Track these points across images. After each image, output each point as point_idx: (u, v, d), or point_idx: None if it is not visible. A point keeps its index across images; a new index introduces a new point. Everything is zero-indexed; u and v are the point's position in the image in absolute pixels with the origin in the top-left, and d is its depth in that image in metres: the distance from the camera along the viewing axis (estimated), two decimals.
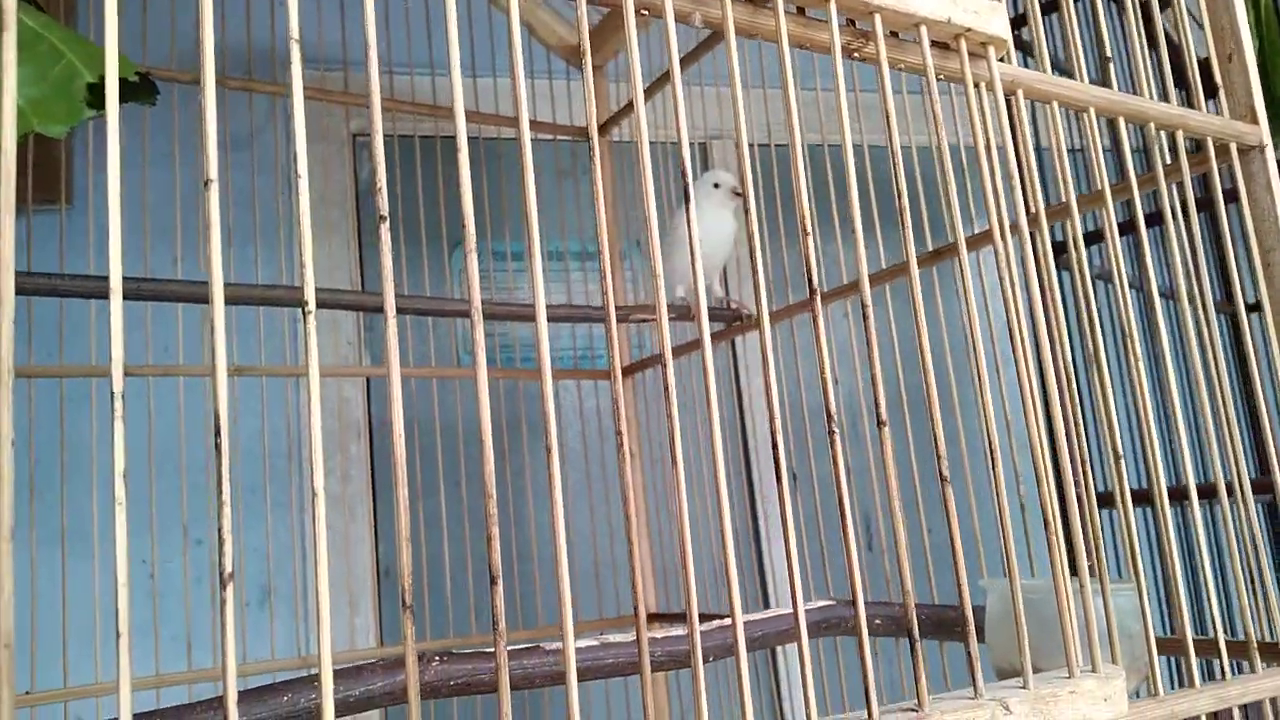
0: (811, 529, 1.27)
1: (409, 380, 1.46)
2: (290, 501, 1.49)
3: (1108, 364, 0.56)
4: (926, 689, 0.39)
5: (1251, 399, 0.62)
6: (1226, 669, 0.51)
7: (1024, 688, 0.41)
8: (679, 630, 0.72)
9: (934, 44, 0.50)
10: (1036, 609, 0.69)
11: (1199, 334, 0.61)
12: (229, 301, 0.95)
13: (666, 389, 0.36)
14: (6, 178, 0.30)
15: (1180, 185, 0.62)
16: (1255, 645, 0.54)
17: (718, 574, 1.36)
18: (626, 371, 1.48)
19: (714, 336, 1.32)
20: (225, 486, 0.31)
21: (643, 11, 0.41)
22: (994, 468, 0.43)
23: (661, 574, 1.40)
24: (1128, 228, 1.06)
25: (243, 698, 0.55)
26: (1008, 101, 0.53)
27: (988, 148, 0.49)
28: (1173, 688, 0.50)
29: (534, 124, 1.47)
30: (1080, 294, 0.56)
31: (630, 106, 1.47)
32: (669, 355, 0.37)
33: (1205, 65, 0.70)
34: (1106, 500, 1.10)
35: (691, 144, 1.59)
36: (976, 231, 0.96)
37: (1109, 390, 0.54)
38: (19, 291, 0.88)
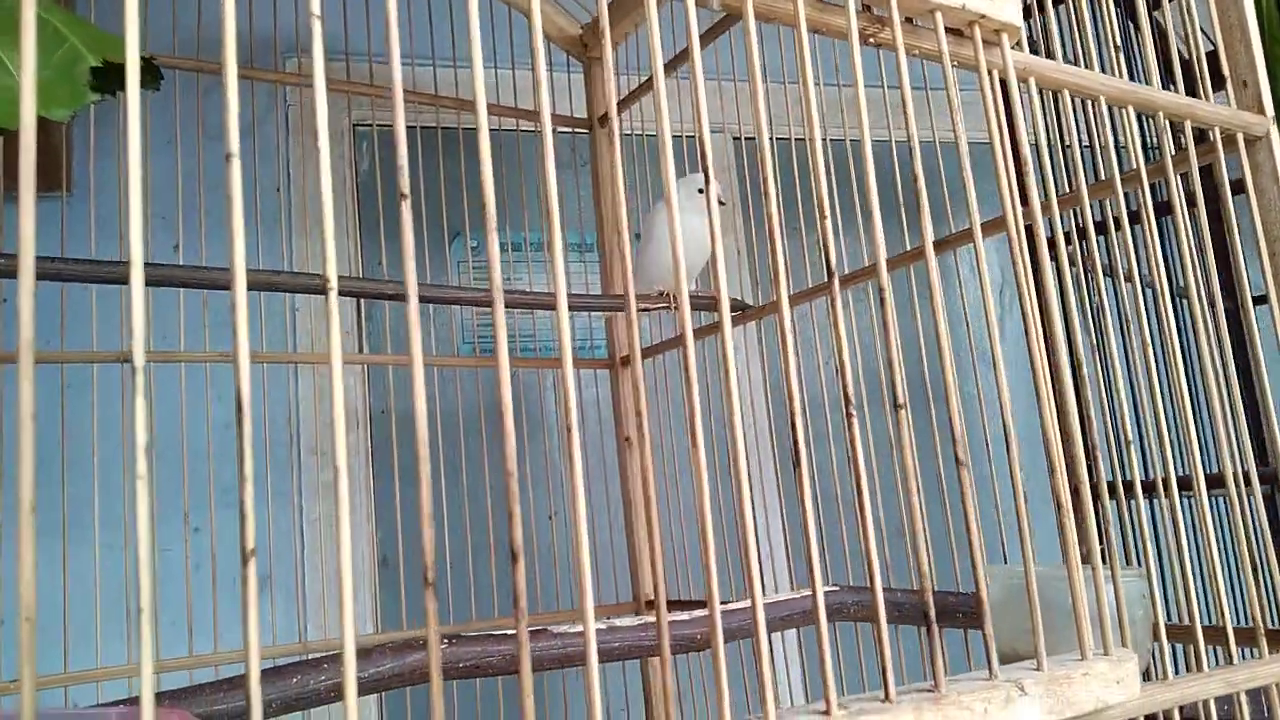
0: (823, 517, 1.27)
1: (408, 369, 1.46)
2: (291, 490, 1.49)
3: (1117, 355, 0.56)
4: (938, 672, 0.39)
5: (1258, 390, 0.62)
6: (1235, 654, 0.52)
7: (1038, 669, 0.42)
8: (682, 615, 0.72)
9: (948, 30, 0.50)
10: (1039, 594, 0.70)
11: (1205, 326, 0.61)
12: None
13: (687, 371, 0.36)
14: (26, 150, 0.30)
15: (1187, 176, 0.62)
16: (1263, 631, 0.54)
17: (715, 559, 1.36)
18: (626, 360, 1.48)
19: (708, 328, 1.32)
20: (248, 462, 0.31)
21: None
22: (1009, 451, 0.43)
23: (661, 562, 1.40)
24: (1133, 219, 1.06)
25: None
26: (1003, 89, 0.53)
27: (1003, 135, 0.49)
28: (1175, 673, 0.51)
29: (532, 114, 1.46)
30: (1079, 285, 0.56)
31: (632, 97, 1.46)
32: (690, 338, 0.37)
33: (1212, 58, 0.70)
34: (1109, 489, 1.10)
35: (690, 137, 1.59)
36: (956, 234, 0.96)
37: (1118, 379, 0.54)
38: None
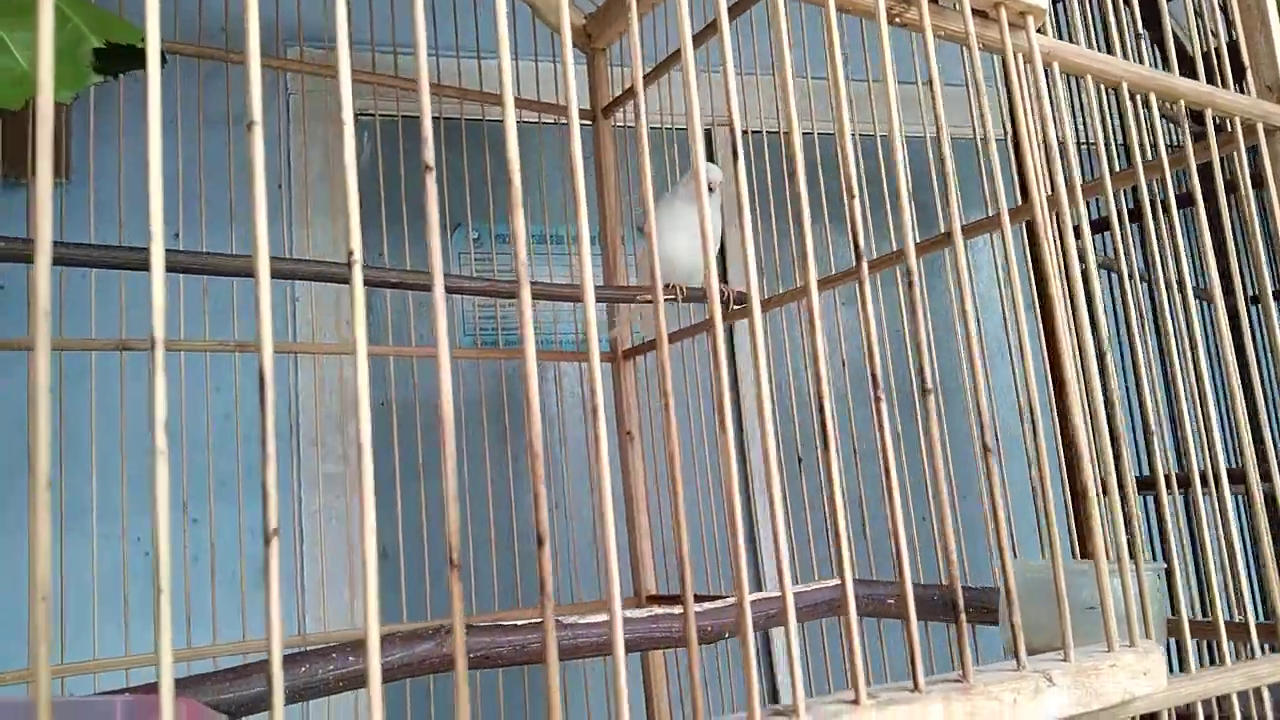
0: (816, 512, 1.26)
1: (409, 359, 1.45)
2: (290, 482, 1.48)
3: (1140, 349, 0.55)
4: (966, 663, 0.39)
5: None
6: (1258, 648, 0.51)
7: (1065, 660, 0.41)
8: (696, 608, 0.71)
9: (974, 12, 0.49)
10: (1051, 588, 0.69)
11: (1223, 324, 0.61)
12: (245, 275, 0.94)
13: (715, 354, 0.36)
14: (44, 121, 0.29)
15: (1209, 166, 0.62)
16: None
17: (719, 556, 1.35)
18: (628, 355, 1.47)
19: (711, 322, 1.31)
20: (270, 440, 0.30)
21: None
22: (1037, 438, 0.42)
23: (662, 557, 1.40)
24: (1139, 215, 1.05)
25: (258, 669, 0.54)
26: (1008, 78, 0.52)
27: (1032, 120, 0.48)
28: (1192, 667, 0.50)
29: (538, 105, 1.45)
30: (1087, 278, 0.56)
31: (632, 90, 1.45)
32: (719, 324, 0.36)
33: (1232, 49, 0.69)
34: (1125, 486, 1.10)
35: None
36: (973, 222, 0.95)
37: (1141, 375, 0.53)
38: (21, 259, 0.87)
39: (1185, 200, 1.23)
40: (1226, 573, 0.53)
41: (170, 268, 0.93)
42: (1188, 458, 0.56)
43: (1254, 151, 0.67)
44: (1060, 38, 0.59)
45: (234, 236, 1.25)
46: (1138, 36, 0.63)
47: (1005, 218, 0.46)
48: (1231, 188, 0.68)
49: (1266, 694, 0.50)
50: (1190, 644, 0.49)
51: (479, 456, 1.39)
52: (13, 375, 1.08)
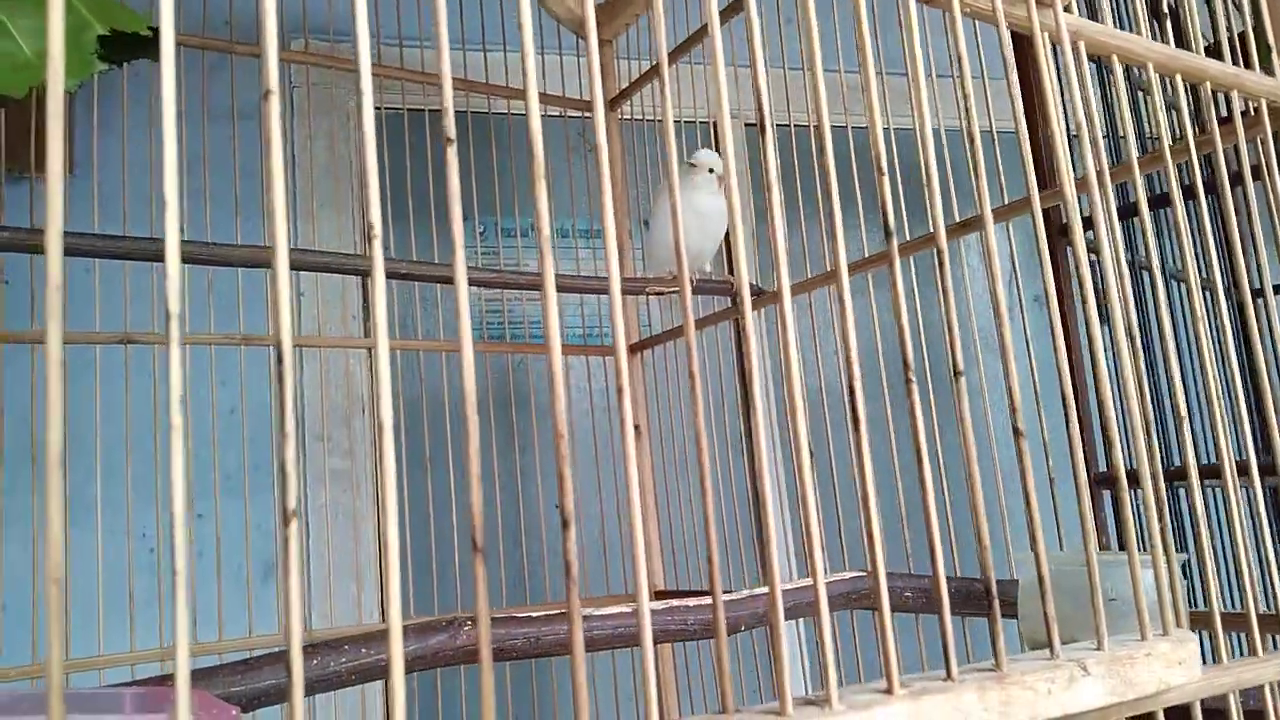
0: (829, 506, 1.25)
1: (415, 354, 1.44)
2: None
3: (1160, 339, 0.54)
4: (999, 652, 0.38)
5: None
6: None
7: (1099, 649, 0.40)
8: (706, 601, 0.71)
9: None
10: (1071, 580, 0.68)
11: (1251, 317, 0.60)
12: (252, 265, 0.93)
13: (744, 337, 0.35)
14: (54, 100, 0.28)
15: (1238, 149, 0.61)
16: None
17: (727, 549, 1.34)
18: (633, 349, 1.46)
19: (720, 314, 1.30)
20: (289, 418, 0.29)
21: None
22: (1071, 429, 0.41)
23: (670, 552, 1.39)
24: (1163, 201, 1.04)
25: (269, 661, 0.53)
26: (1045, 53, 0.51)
27: (1061, 104, 0.47)
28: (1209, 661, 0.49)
29: (543, 97, 1.44)
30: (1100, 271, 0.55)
31: (638, 83, 1.44)
32: (748, 312, 0.35)
33: (1257, 33, 0.68)
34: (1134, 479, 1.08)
35: (704, 122, 1.57)
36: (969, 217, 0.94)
37: (1174, 365, 0.52)
38: (26, 249, 0.86)
39: (1206, 188, 1.22)
40: (1252, 565, 0.52)
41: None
42: (1212, 449, 0.55)
43: None
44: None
45: (239, 231, 1.24)
46: (1162, 17, 0.62)
47: (1036, 200, 0.45)
48: (1255, 174, 0.67)
49: (1269, 692, 0.49)
50: (1222, 636, 0.48)
51: (485, 450, 1.38)
52: (20, 368, 1.07)
